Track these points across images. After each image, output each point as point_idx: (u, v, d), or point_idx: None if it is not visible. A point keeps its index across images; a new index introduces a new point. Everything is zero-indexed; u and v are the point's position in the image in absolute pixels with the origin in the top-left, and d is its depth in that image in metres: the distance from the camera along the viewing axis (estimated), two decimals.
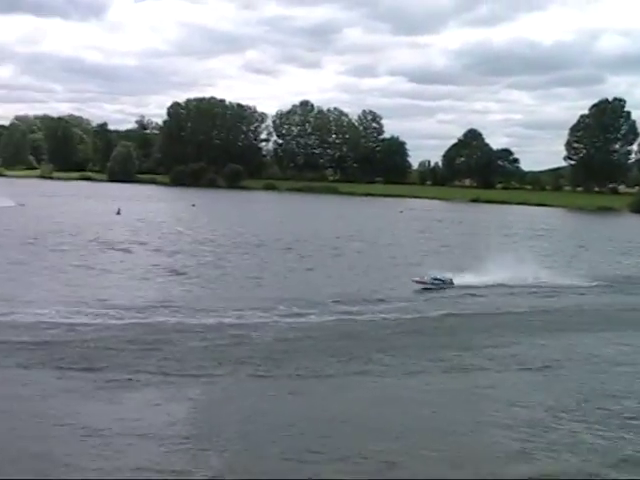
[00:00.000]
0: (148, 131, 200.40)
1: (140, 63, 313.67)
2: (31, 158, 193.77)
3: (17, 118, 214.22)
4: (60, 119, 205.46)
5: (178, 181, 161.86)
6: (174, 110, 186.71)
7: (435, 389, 18.57)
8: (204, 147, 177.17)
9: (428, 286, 33.71)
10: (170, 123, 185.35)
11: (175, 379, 18.25)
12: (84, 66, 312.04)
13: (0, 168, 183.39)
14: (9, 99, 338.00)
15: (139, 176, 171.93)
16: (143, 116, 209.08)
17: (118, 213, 72.34)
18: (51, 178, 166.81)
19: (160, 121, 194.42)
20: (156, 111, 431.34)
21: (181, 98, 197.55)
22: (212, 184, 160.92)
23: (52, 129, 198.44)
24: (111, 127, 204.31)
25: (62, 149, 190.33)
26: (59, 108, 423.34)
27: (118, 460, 13.17)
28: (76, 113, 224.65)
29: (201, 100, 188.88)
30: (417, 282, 33.98)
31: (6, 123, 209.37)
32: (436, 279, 34.06)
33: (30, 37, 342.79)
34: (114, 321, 24.06)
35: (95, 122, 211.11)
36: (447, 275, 34.68)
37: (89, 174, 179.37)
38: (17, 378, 17.77)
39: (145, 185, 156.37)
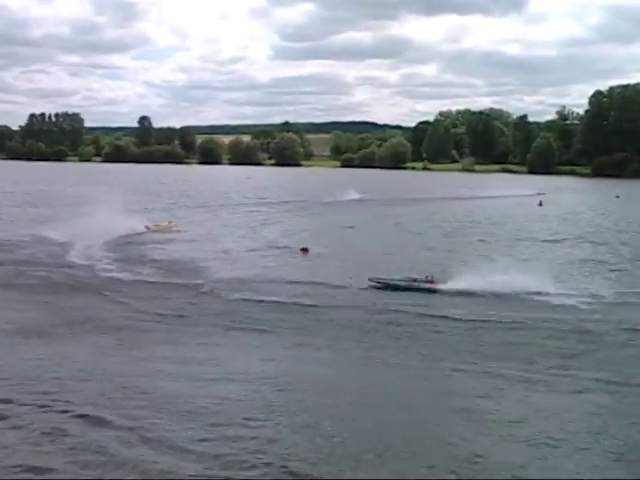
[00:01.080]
0: (568, 122, 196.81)
1: (560, 53, 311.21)
2: (453, 152, 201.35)
3: (441, 113, 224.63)
4: (481, 113, 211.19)
5: (600, 172, 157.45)
6: (596, 99, 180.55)
7: None
8: (629, 136, 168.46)
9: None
10: (592, 112, 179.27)
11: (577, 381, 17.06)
12: (504, 59, 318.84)
13: (424, 162, 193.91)
14: (433, 96, 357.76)
15: (559, 167, 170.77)
16: (564, 106, 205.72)
17: (540, 205, 72.65)
18: (473, 171, 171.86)
19: (581, 111, 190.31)
20: (577, 101, 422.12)
21: (604, 86, 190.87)
22: (637, 174, 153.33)
23: (473, 123, 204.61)
24: (531, 119, 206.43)
25: (483, 142, 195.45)
26: (480, 102, 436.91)
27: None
28: (496, 106, 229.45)
29: (626, 87, 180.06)
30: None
31: (430, 119, 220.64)
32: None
33: (453, 35, 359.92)
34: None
35: (515, 114, 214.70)
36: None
37: (509, 166, 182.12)
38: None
39: (565, 176, 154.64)
